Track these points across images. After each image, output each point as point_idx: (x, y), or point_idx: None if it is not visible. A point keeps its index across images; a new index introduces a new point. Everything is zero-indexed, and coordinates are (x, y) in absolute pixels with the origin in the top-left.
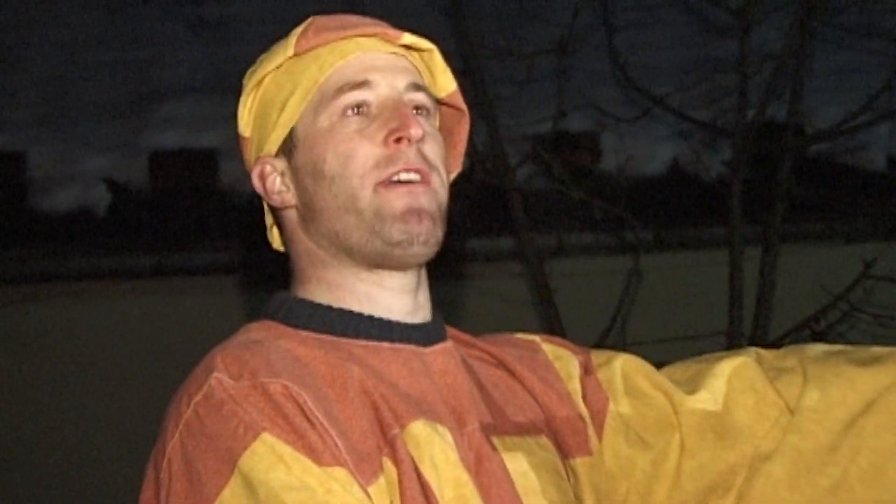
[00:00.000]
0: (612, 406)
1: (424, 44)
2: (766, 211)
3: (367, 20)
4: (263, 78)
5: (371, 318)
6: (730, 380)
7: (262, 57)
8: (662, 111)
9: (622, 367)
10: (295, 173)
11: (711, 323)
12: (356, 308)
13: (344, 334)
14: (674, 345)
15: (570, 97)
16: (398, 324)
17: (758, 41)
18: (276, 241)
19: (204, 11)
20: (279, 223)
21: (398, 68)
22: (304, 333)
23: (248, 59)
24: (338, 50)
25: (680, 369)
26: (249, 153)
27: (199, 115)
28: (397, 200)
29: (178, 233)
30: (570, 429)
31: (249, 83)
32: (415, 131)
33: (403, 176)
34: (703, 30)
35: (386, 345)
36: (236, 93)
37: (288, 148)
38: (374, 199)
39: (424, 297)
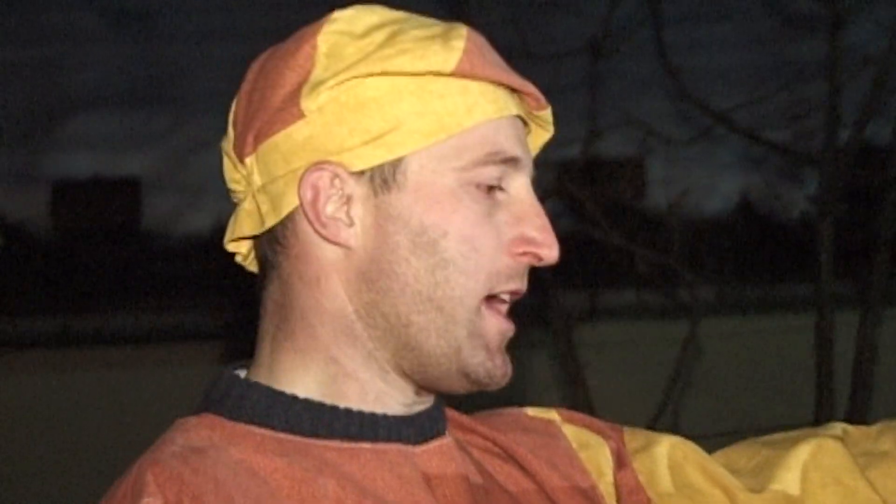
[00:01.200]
0: None
1: (551, 128)
2: (865, 262)
3: (509, 67)
4: (394, 73)
5: (348, 411)
6: (807, 470)
7: (358, 25)
8: (727, 131)
9: (669, 456)
10: (381, 216)
11: (793, 409)
12: (333, 402)
13: (313, 434)
14: (742, 439)
15: (607, 112)
16: (384, 418)
17: (853, 39)
18: (235, 248)
19: (125, 0)
20: (305, 255)
21: (530, 151)
22: (258, 432)
23: (186, 62)
24: (492, 97)
25: (744, 454)
26: (296, 137)
27: (117, 134)
28: (495, 335)
29: (89, 288)
30: None
31: (363, 63)
32: (552, 254)
33: (504, 296)
34: (780, 25)
35: (366, 445)
36: (169, 105)
37: (384, 178)
38: (476, 316)
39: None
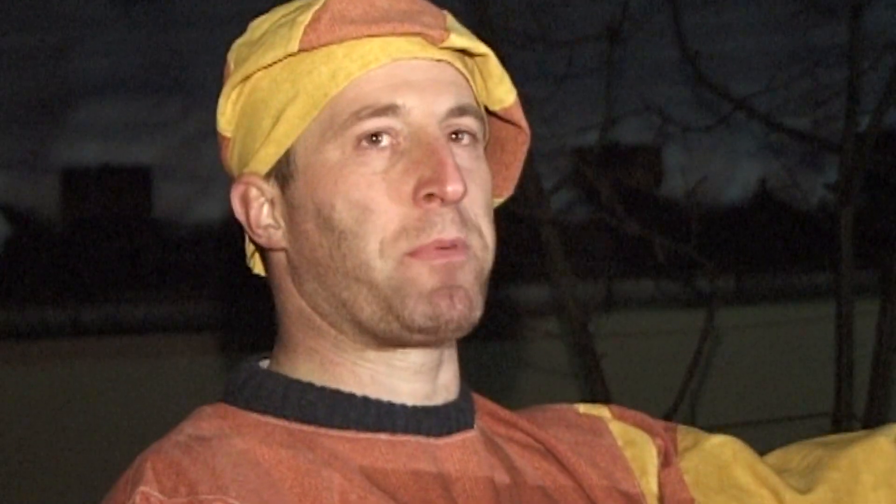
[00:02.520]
0: None
1: (478, 47)
2: (886, 250)
3: (402, 5)
4: (253, 73)
5: (366, 400)
6: (858, 472)
7: (256, 30)
8: (746, 118)
9: (718, 455)
10: (290, 210)
11: (812, 399)
12: (349, 389)
13: (328, 423)
14: (761, 430)
15: (624, 98)
16: (403, 407)
17: (874, 25)
18: (257, 266)
19: None
20: (263, 258)
21: (439, 84)
22: (271, 423)
23: (196, 48)
24: (357, 53)
25: (798, 454)
26: (231, 159)
27: (127, 121)
28: (427, 277)
29: (99, 277)
30: None
31: (239, 73)
32: (453, 188)
33: (431, 251)
34: (800, 10)
35: (383, 437)
36: (180, 92)
37: (282, 173)
38: (397, 271)
39: (449, 374)
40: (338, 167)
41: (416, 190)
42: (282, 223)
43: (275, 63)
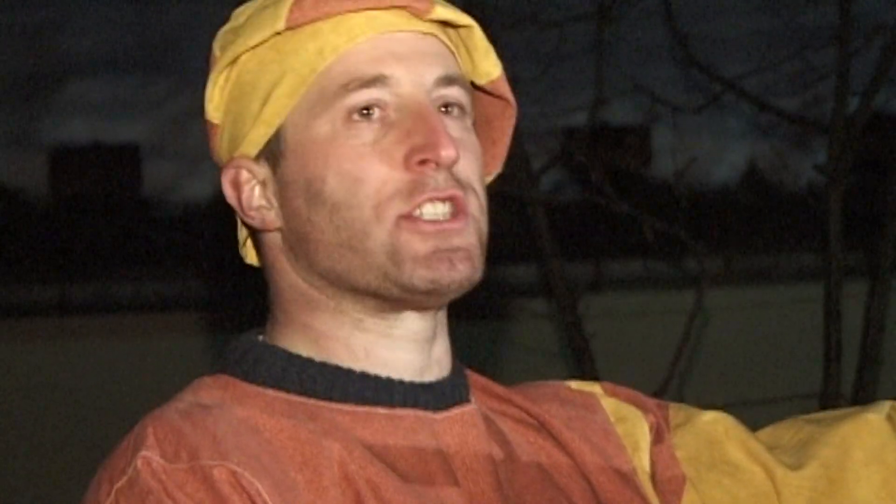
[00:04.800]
0: (689, 488)
1: (462, 19)
2: (874, 232)
3: None
4: (241, 54)
5: (364, 375)
6: (849, 448)
7: (241, 16)
8: (735, 98)
9: (710, 431)
10: (282, 188)
11: (800, 380)
12: (346, 363)
13: (327, 397)
14: (748, 411)
15: (613, 79)
16: (401, 383)
17: (864, 6)
18: (250, 255)
19: None
20: (256, 241)
21: (426, 55)
22: (271, 394)
23: (185, 26)
24: (344, 28)
25: (788, 431)
26: (220, 146)
27: (115, 99)
28: (422, 242)
29: (87, 256)
30: None
31: (226, 56)
32: (446, 153)
33: (428, 209)
34: None
35: (382, 411)
36: (169, 71)
37: (272, 153)
38: (391, 236)
39: (443, 347)
40: (328, 141)
41: (407, 157)
42: (274, 203)
43: (261, 44)
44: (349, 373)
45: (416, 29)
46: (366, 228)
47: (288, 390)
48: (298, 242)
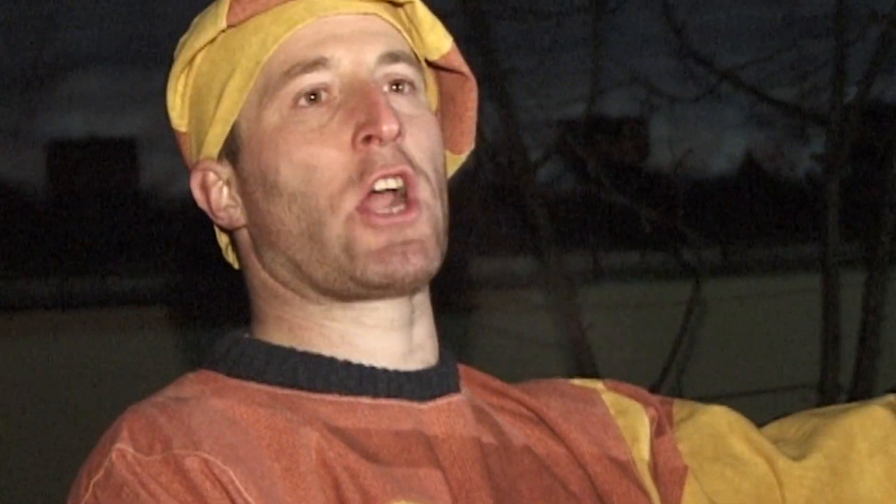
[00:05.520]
0: (691, 479)
1: None
2: (872, 222)
3: None
4: (195, 56)
5: (347, 364)
6: (853, 439)
7: (195, 22)
8: (733, 89)
9: (713, 425)
10: (242, 184)
11: (798, 370)
12: (328, 352)
13: (310, 388)
14: (747, 401)
15: (610, 70)
16: (385, 372)
17: None
18: (232, 258)
19: None
20: (232, 242)
21: (367, 34)
22: (253, 387)
23: (183, 19)
24: (284, 17)
25: (793, 425)
26: (189, 152)
27: (112, 93)
28: (375, 236)
29: (85, 249)
30: None
31: (178, 62)
32: (388, 127)
33: (380, 185)
34: None
35: (365, 400)
36: (165, 63)
37: (231, 150)
38: (346, 229)
39: (424, 331)
40: (277, 130)
41: (353, 137)
42: (239, 200)
43: (209, 45)
44: (332, 362)
45: (357, 10)
46: (322, 219)
47: (270, 383)
48: (261, 235)
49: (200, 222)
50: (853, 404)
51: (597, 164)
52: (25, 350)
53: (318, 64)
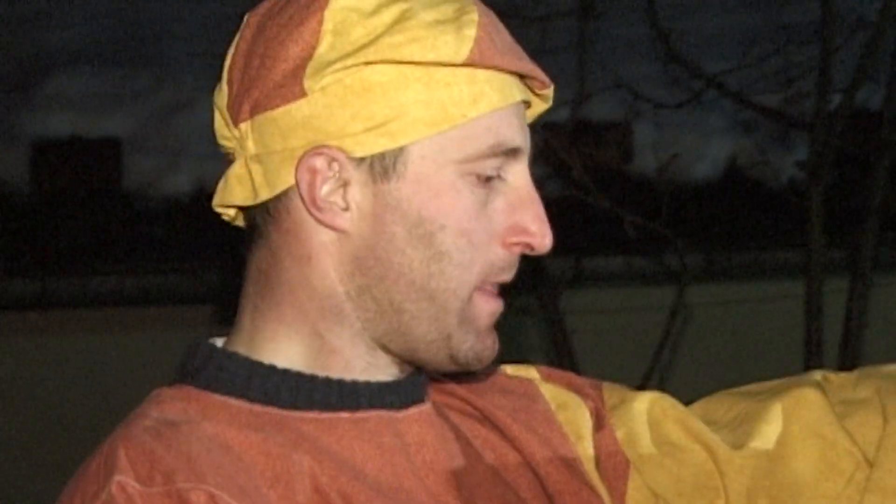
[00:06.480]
0: (633, 473)
1: (550, 100)
2: (855, 229)
3: (519, 48)
4: (398, 62)
5: (328, 380)
6: (787, 423)
7: (371, 3)
8: (717, 95)
9: (648, 412)
10: (380, 205)
11: (781, 376)
12: (306, 370)
13: (292, 406)
14: None
15: (595, 75)
16: (365, 385)
17: (845, 2)
18: (233, 195)
19: None
20: (273, 215)
21: (528, 131)
22: (234, 405)
23: (167, 20)
24: (498, 85)
25: (721, 405)
26: (288, 114)
27: (97, 93)
28: (485, 317)
29: (69, 249)
30: None
31: (374, 47)
32: (550, 243)
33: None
34: None
35: (345, 415)
36: (152, 63)
37: (384, 166)
38: (468, 306)
39: None
40: (455, 190)
41: (509, 232)
42: (353, 208)
43: (423, 63)
44: (313, 379)
45: (536, 114)
46: (458, 290)
47: (251, 400)
48: (373, 261)
49: (184, 224)
50: (780, 383)
51: (581, 168)
52: (7, 349)
53: (516, 151)
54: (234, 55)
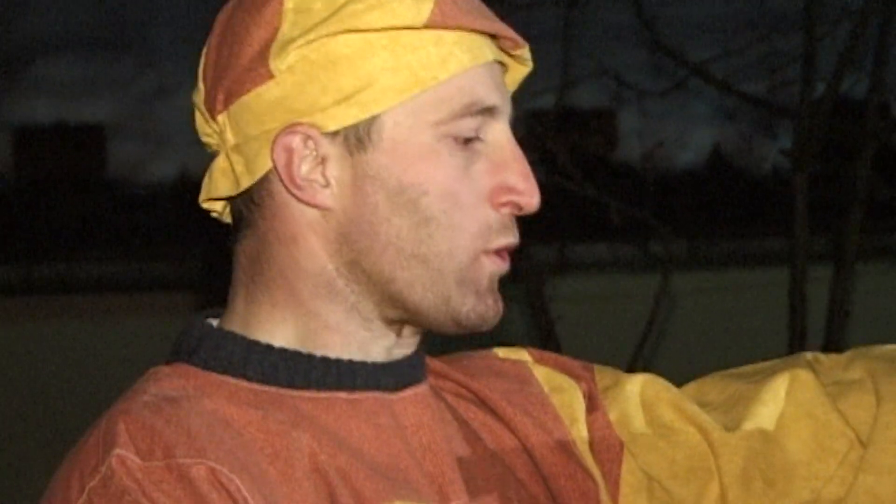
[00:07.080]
0: (627, 455)
1: (529, 61)
2: (839, 217)
3: (487, 9)
4: (362, 30)
5: (325, 360)
6: (782, 405)
7: None
8: (702, 83)
9: (640, 394)
10: (358, 177)
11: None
12: (304, 349)
13: (289, 384)
14: None
15: (580, 62)
16: (363, 365)
17: None
18: (215, 203)
19: None
20: (257, 201)
21: (508, 92)
22: (233, 383)
23: (150, 6)
24: (467, 45)
25: (714, 387)
26: (261, 96)
27: (81, 80)
28: (487, 278)
29: (52, 236)
30: (578, 493)
31: (336, 18)
32: (537, 201)
33: (502, 252)
34: None
35: (342, 395)
36: (135, 49)
37: (357, 137)
38: (469, 268)
39: (412, 328)
40: (434, 154)
41: (495, 192)
42: (333, 183)
43: (385, 29)
44: (310, 358)
45: (501, 59)
46: (454, 251)
47: (249, 379)
48: (358, 234)
49: (167, 210)
50: (772, 364)
51: (566, 155)
52: None
53: (492, 110)
54: (206, 53)
